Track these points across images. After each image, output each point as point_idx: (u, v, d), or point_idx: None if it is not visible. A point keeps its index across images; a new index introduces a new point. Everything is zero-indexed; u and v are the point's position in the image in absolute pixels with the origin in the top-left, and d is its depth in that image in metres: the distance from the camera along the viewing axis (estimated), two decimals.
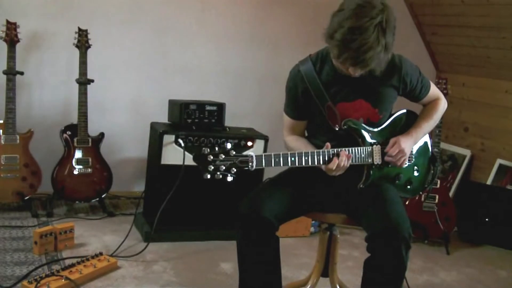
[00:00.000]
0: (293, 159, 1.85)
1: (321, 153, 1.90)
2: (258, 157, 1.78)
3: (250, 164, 1.76)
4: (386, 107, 2.08)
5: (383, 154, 2.02)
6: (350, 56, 1.75)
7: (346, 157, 1.89)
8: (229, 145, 1.74)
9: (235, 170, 1.75)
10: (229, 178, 1.76)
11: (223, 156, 1.73)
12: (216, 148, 1.73)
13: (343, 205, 2.06)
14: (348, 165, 1.91)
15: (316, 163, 1.90)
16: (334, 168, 1.88)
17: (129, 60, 3.81)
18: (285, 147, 2.15)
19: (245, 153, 1.78)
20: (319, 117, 2.05)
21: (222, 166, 1.73)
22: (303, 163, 1.88)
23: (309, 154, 1.88)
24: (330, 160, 1.89)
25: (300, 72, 2.04)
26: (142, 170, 3.58)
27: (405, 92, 2.09)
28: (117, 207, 3.68)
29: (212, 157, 1.72)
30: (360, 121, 2.02)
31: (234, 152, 1.74)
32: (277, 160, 1.83)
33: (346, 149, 1.92)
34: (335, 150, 1.91)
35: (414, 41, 4.60)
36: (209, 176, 1.73)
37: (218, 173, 1.73)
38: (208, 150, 1.72)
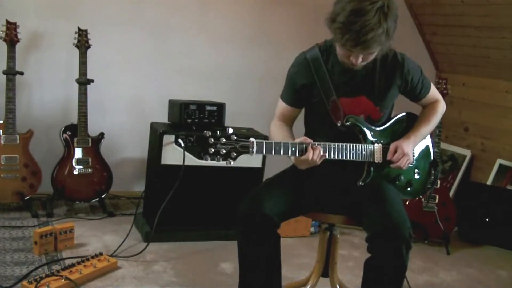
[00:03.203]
0: (293, 149, 1.84)
1: (322, 144, 1.89)
2: (259, 143, 1.76)
3: (251, 149, 1.75)
4: (387, 105, 2.08)
5: (384, 154, 2.02)
6: (351, 38, 1.74)
7: (318, 152, 1.85)
8: (230, 130, 1.74)
9: (235, 154, 1.73)
10: (229, 163, 1.74)
11: (224, 140, 1.72)
12: (218, 132, 1.72)
13: (343, 205, 2.06)
14: (318, 162, 1.87)
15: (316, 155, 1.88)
16: (310, 158, 1.84)
17: (129, 60, 3.81)
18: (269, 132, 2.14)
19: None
20: (321, 109, 2.03)
21: (223, 149, 1.71)
22: (296, 153, 1.85)
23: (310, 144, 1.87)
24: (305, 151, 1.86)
25: (307, 59, 2.02)
26: (142, 170, 3.58)
27: (406, 91, 2.09)
28: (117, 207, 3.68)
29: (213, 140, 1.71)
30: (360, 117, 2.03)
31: (235, 137, 1.73)
32: (277, 148, 1.81)
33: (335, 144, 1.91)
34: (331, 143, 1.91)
35: (414, 41, 4.60)
36: (209, 159, 1.72)
37: (218, 156, 1.72)
38: (210, 133, 1.71)
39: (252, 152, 1.75)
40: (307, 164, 1.88)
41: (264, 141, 1.78)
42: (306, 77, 2.02)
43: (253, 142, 1.74)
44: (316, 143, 1.87)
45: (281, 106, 2.15)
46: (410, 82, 2.06)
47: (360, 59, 1.84)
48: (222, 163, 1.74)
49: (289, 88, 2.11)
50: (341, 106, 1.99)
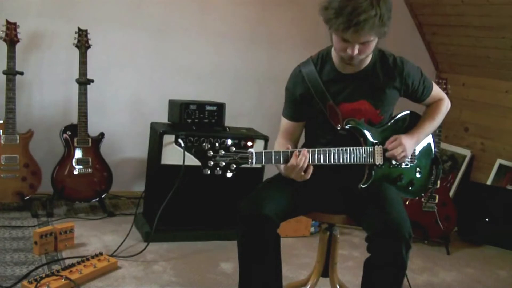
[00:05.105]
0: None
1: (327, 150, 1.90)
2: (258, 154, 1.78)
3: (250, 160, 1.76)
4: (388, 109, 2.08)
5: (385, 153, 2.02)
6: (343, 20, 1.75)
7: (304, 156, 1.84)
8: (229, 142, 1.75)
9: (234, 166, 1.75)
10: (229, 174, 1.76)
11: (223, 152, 1.73)
12: (217, 144, 1.74)
13: (343, 205, 2.06)
14: (304, 166, 1.85)
15: (316, 161, 1.89)
16: (294, 164, 1.83)
17: (129, 60, 3.81)
18: None
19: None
20: (320, 117, 2.04)
21: (222, 162, 1.73)
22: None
23: (310, 151, 1.88)
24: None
25: (301, 73, 2.04)
26: (142, 170, 3.58)
27: (407, 94, 2.10)
28: (117, 207, 3.68)
29: (212, 153, 1.72)
30: (361, 121, 2.03)
31: (234, 149, 1.75)
32: (277, 157, 1.83)
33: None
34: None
35: (414, 41, 4.61)
36: (208, 172, 1.74)
37: (218, 168, 1.74)
38: (209, 145, 1.72)
39: (252, 163, 1.77)
40: (295, 173, 1.86)
41: (263, 151, 1.80)
42: (303, 87, 2.04)
43: (252, 153, 1.76)
44: (316, 149, 1.88)
45: (284, 123, 2.16)
46: (411, 86, 2.06)
47: (356, 50, 1.83)
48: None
49: (289, 101, 2.12)
50: (339, 111, 2.00)
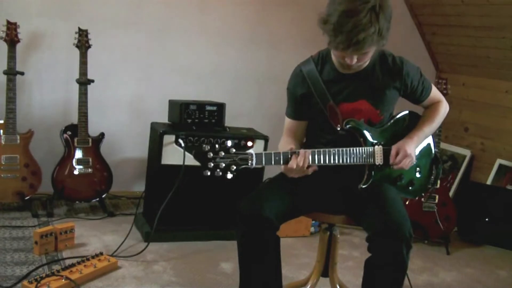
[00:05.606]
0: (289, 156, 1.85)
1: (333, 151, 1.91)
2: (258, 155, 1.78)
3: (250, 162, 1.76)
4: (388, 108, 2.08)
5: (385, 155, 2.01)
6: (343, 39, 1.73)
7: (303, 157, 1.85)
8: (229, 143, 1.75)
9: (234, 167, 1.75)
10: (229, 176, 1.75)
11: (223, 154, 1.73)
12: (216, 146, 1.73)
13: (343, 205, 2.06)
14: (305, 166, 1.86)
15: (316, 162, 1.89)
16: (294, 167, 1.84)
17: (129, 60, 3.81)
18: None
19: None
20: (321, 118, 2.05)
21: (222, 163, 1.73)
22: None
23: (310, 152, 1.88)
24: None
25: (302, 72, 2.05)
26: (142, 170, 3.58)
27: (406, 94, 2.09)
28: (117, 207, 3.68)
29: (212, 154, 1.72)
30: (361, 121, 2.03)
31: (234, 150, 1.74)
32: (277, 158, 1.83)
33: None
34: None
35: (414, 41, 4.61)
36: (208, 173, 1.73)
37: (218, 170, 1.73)
38: (209, 147, 1.72)
39: (252, 164, 1.77)
40: (296, 172, 1.87)
41: (263, 152, 1.80)
42: (304, 87, 2.05)
43: (252, 154, 1.76)
44: (316, 150, 1.88)
45: (287, 121, 2.17)
46: (410, 86, 2.06)
47: (355, 60, 1.84)
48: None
49: (291, 101, 2.13)
50: (338, 111, 2.00)
